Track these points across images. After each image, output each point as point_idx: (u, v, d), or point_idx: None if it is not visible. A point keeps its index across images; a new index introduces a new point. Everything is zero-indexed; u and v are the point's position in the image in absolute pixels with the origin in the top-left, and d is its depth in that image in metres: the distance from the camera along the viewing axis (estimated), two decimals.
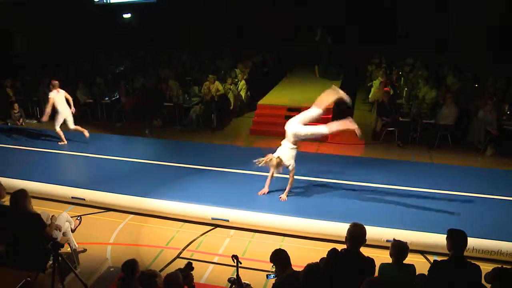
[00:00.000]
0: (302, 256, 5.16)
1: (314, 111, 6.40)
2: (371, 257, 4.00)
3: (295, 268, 3.87)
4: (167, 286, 3.74)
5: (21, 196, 4.67)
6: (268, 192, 6.80)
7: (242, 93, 12.64)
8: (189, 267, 4.23)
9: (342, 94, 6.51)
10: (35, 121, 12.24)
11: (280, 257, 3.93)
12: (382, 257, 4.41)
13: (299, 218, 6.16)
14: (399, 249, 4.01)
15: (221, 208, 6.48)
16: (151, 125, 11.58)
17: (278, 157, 6.31)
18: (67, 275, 4.69)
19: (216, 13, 16.92)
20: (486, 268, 3.99)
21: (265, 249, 4.95)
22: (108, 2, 16.46)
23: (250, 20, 16.67)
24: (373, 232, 5.10)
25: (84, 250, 5.65)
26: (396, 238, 4.19)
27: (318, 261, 4.03)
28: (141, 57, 16.56)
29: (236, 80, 12.72)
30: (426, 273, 3.98)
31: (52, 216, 5.05)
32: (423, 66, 13.23)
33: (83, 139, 9.16)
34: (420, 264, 4.84)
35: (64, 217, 5.32)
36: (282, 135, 6.54)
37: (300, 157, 8.69)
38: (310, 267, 3.60)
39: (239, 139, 10.64)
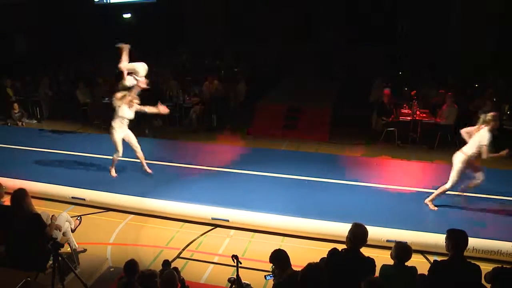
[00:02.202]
0: (302, 256, 5.14)
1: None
2: (371, 257, 4.00)
3: (295, 268, 3.87)
4: (164, 286, 3.76)
5: (21, 195, 4.67)
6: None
7: (242, 94, 12.63)
8: (167, 264, 4.29)
9: None
10: (35, 121, 12.24)
11: (280, 257, 3.93)
12: (382, 257, 4.40)
13: (299, 218, 6.16)
14: (403, 251, 3.97)
15: (221, 208, 6.48)
16: (151, 125, 11.57)
17: None
18: (67, 275, 4.69)
19: (216, 13, 16.90)
20: (486, 268, 3.99)
21: (265, 249, 4.94)
22: (108, 2, 16.45)
23: (250, 19, 16.64)
24: (373, 232, 5.09)
25: (84, 250, 5.64)
26: (397, 239, 4.18)
27: (318, 261, 4.03)
28: (140, 57, 16.51)
29: (237, 80, 12.71)
30: (426, 273, 3.98)
31: (52, 216, 5.05)
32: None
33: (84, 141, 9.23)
34: (420, 264, 4.82)
35: (64, 217, 5.31)
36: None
37: (300, 157, 8.76)
38: (310, 267, 3.59)
39: (238, 139, 10.63)
